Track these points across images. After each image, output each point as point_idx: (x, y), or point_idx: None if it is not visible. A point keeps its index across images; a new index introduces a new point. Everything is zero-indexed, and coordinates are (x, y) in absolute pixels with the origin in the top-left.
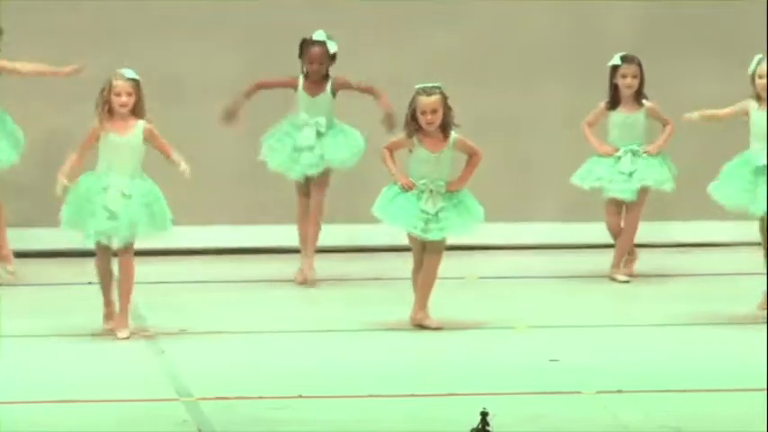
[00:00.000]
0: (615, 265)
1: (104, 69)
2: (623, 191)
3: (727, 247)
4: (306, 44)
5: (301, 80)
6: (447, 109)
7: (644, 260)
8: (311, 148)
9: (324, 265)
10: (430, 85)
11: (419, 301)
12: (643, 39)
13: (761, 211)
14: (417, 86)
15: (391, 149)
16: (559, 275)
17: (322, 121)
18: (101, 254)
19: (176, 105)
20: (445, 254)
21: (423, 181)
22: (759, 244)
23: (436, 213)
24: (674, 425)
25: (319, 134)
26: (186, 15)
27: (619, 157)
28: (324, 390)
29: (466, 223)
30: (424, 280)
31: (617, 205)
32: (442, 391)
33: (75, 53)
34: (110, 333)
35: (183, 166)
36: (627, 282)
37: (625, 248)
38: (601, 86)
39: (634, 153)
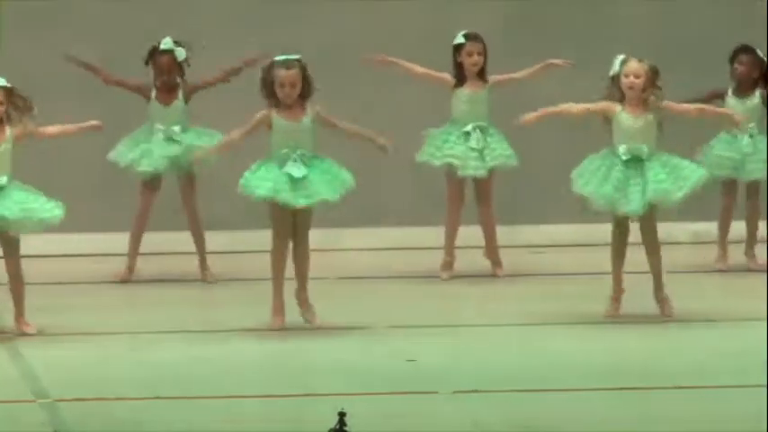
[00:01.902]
0: (490, 256)
1: None
2: (476, 168)
3: (576, 248)
4: (153, 53)
5: (153, 91)
6: (306, 80)
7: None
8: (168, 145)
9: (182, 267)
10: (290, 57)
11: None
12: (499, 39)
13: (635, 213)
14: (276, 58)
15: (249, 130)
16: (416, 276)
17: (177, 129)
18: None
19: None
20: (312, 254)
21: (284, 151)
22: (606, 244)
23: (303, 178)
24: (528, 424)
25: (174, 141)
26: (32, 10)
27: (467, 133)
28: (182, 390)
29: (334, 189)
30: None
31: (460, 185)
32: (300, 391)
33: None
34: None
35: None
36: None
37: (493, 236)
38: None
39: (482, 129)
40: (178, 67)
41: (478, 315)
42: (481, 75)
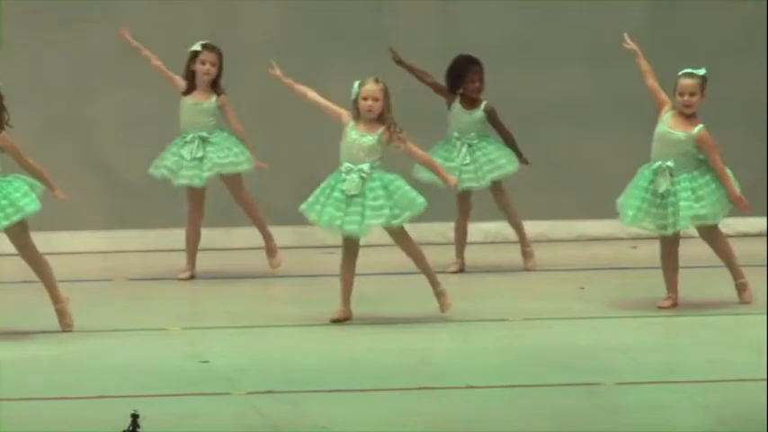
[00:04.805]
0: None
1: None
2: (192, 177)
3: (370, 249)
4: None
5: None
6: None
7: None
8: None
9: None
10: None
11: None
12: (286, 37)
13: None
14: None
15: None
16: (206, 277)
17: None
18: None
19: None
20: (94, 256)
21: None
22: (392, 245)
23: None
24: (323, 424)
25: None
26: None
27: (186, 143)
28: None
29: None
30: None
31: (200, 197)
32: (93, 393)
33: None
34: None
35: None
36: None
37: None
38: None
39: (203, 140)
40: None
41: (273, 316)
42: (214, 85)
